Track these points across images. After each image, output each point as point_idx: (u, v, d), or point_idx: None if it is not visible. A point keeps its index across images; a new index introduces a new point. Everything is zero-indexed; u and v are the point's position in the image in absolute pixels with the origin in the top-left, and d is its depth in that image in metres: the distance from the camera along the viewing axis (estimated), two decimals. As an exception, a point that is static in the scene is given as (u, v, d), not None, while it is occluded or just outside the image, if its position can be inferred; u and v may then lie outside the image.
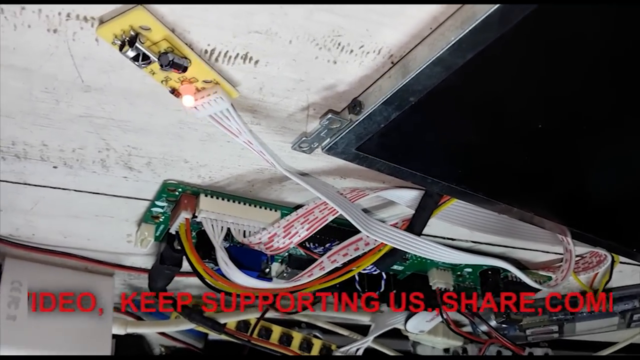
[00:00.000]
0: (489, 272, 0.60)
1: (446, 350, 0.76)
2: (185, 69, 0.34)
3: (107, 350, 0.55)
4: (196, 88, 0.36)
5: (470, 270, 0.61)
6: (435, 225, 0.51)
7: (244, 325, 0.64)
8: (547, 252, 0.60)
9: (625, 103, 0.40)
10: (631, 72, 0.37)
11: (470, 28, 0.31)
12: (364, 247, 0.51)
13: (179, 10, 0.32)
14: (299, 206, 0.50)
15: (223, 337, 0.62)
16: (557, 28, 0.33)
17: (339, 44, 0.34)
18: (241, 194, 0.48)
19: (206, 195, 0.47)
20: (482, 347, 0.70)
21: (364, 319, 0.69)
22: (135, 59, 0.33)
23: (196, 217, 0.47)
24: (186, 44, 0.33)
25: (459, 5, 0.32)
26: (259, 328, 0.65)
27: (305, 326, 0.70)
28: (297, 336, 0.67)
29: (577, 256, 0.59)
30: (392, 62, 0.35)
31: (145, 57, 0.33)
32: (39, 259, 0.54)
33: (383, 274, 0.58)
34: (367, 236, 0.49)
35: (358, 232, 0.49)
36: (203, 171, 0.45)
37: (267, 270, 0.50)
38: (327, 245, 0.52)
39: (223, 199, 0.48)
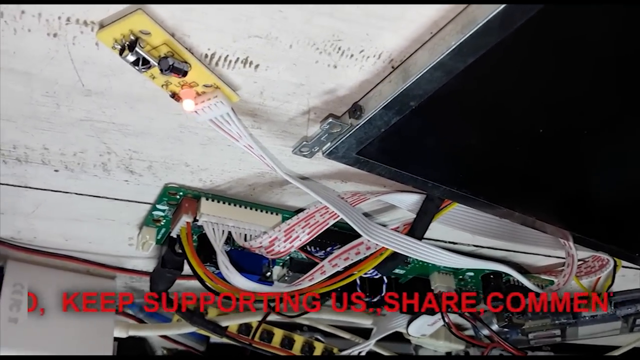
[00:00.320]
0: (491, 276, 0.60)
1: (448, 354, 0.76)
2: (185, 73, 0.34)
3: (109, 353, 0.55)
4: (196, 92, 0.36)
5: (472, 274, 0.60)
6: (436, 229, 0.51)
7: (245, 329, 0.64)
8: (549, 256, 0.60)
9: (627, 107, 0.40)
10: (632, 76, 0.37)
11: (471, 32, 0.31)
12: (365, 251, 0.51)
13: (178, 15, 0.32)
14: (300, 210, 0.50)
15: (225, 340, 0.62)
16: (558, 32, 0.33)
17: (339, 49, 0.34)
18: (242, 197, 0.48)
19: (207, 199, 0.47)
20: (484, 351, 0.70)
21: (365, 323, 0.69)
22: (135, 63, 0.33)
23: (197, 220, 0.47)
24: (186, 48, 0.33)
25: (460, 9, 0.32)
26: (261, 331, 0.65)
27: (307, 329, 0.69)
28: (299, 339, 0.67)
29: (579, 260, 0.59)
30: (392, 67, 0.35)
31: (145, 62, 0.33)
32: (40, 262, 0.54)
33: (384, 278, 0.58)
34: (368, 240, 0.49)
35: (359, 236, 0.48)
36: (204, 175, 0.45)
37: (268, 274, 0.50)
38: (328, 249, 0.52)
39: (224, 203, 0.48)
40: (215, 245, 0.46)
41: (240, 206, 0.48)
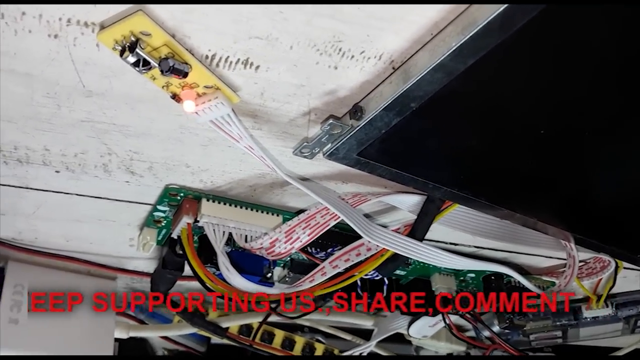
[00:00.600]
0: (492, 278, 0.60)
1: (449, 355, 0.76)
2: (186, 75, 0.34)
3: (110, 354, 0.55)
4: (197, 93, 0.36)
5: (473, 275, 0.60)
6: (437, 230, 0.51)
7: (246, 330, 0.64)
8: (550, 258, 0.59)
9: (628, 108, 0.40)
10: (633, 76, 0.37)
11: (471, 34, 0.31)
12: (365, 253, 0.51)
13: (179, 16, 0.32)
14: (300, 211, 0.50)
15: (225, 341, 0.62)
16: (558, 33, 0.33)
17: (340, 50, 0.34)
18: (243, 198, 0.48)
19: (208, 200, 0.47)
20: (485, 352, 0.70)
21: (366, 324, 0.69)
22: (135, 64, 0.33)
23: (198, 221, 0.47)
24: (187, 50, 0.33)
25: (460, 10, 0.32)
26: (262, 332, 0.65)
27: (307, 330, 0.70)
28: (300, 340, 0.67)
29: (580, 262, 0.59)
30: (393, 68, 0.35)
31: (146, 63, 0.33)
32: (41, 263, 0.54)
33: (385, 279, 0.58)
34: (369, 241, 0.49)
35: (360, 237, 0.48)
36: (205, 176, 0.45)
37: (269, 275, 0.50)
38: (329, 250, 0.52)
39: (225, 204, 0.48)
40: (215, 246, 0.46)
41: (241, 207, 0.48)
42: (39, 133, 0.40)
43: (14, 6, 0.31)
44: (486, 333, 0.66)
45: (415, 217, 0.49)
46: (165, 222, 0.50)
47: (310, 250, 0.52)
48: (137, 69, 0.33)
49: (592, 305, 0.66)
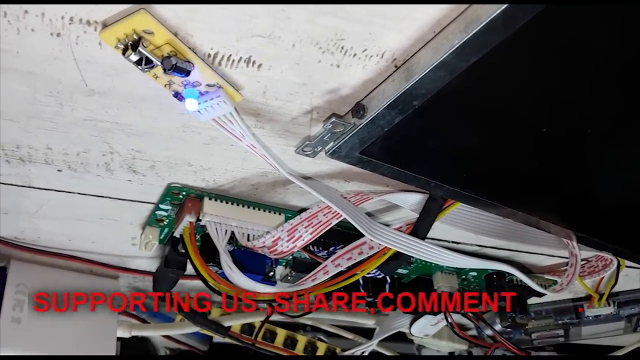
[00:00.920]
0: (494, 276, 0.60)
1: (451, 354, 0.76)
2: (188, 73, 0.34)
3: (112, 353, 0.55)
4: (199, 92, 0.36)
5: (475, 274, 0.60)
6: (439, 228, 0.51)
7: (248, 329, 0.64)
8: (552, 256, 0.59)
9: (631, 106, 0.40)
10: (635, 75, 0.37)
11: (474, 31, 0.31)
12: (368, 251, 0.51)
13: (182, 14, 0.32)
14: (303, 210, 0.50)
15: (227, 340, 0.62)
16: (560, 31, 0.33)
17: (342, 48, 0.34)
18: (245, 197, 0.48)
19: (210, 199, 0.47)
20: (487, 351, 0.70)
21: (368, 322, 0.69)
22: (138, 63, 0.33)
23: (200, 220, 0.47)
24: (189, 48, 0.33)
25: (463, 8, 0.31)
26: (264, 331, 0.65)
27: (310, 329, 0.69)
28: (302, 339, 0.67)
29: (582, 260, 0.59)
30: (395, 66, 0.35)
31: (148, 61, 0.33)
32: (43, 262, 0.54)
33: (387, 277, 0.58)
34: (371, 240, 0.49)
35: (362, 235, 0.48)
36: (207, 174, 0.45)
37: (271, 273, 0.50)
38: (331, 249, 0.52)
39: (227, 203, 0.48)
40: (218, 245, 0.46)
41: (243, 206, 0.48)
42: (41, 132, 0.40)
43: (16, 5, 0.31)
44: (488, 332, 0.66)
45: (418, 215, 0.49)
46: (167, 221, 0.50)
47: (312, 249, 0.52)
48: (139, 67, 0.33)
49: (594, 303, 0.66)
